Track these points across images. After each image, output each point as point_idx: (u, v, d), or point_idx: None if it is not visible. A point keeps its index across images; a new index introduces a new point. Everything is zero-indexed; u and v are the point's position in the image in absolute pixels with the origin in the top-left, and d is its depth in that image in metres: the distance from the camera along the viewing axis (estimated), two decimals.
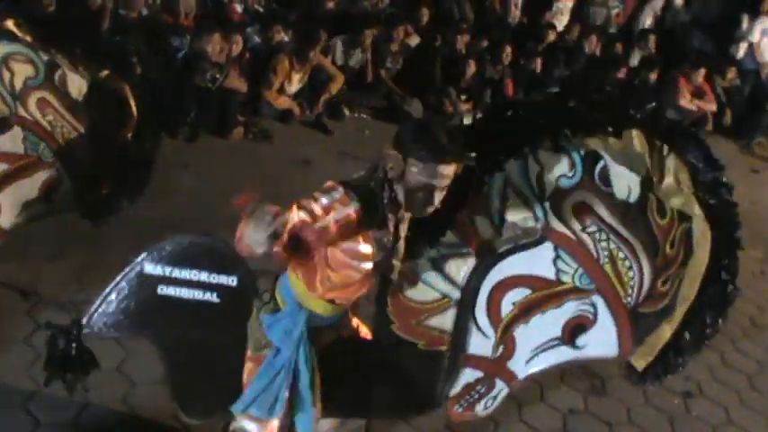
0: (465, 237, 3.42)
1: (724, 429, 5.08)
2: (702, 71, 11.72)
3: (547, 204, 3.34)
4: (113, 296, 3.44)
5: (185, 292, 3.48)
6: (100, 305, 3.44)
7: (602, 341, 3.47)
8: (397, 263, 3.15)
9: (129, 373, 4.32)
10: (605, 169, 3.21)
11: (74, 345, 3.40)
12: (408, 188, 2.87)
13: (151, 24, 8.44)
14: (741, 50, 13.19)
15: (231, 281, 3.50)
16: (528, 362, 3.58)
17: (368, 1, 11.17)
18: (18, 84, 4.22)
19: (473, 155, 3.15)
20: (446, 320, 3.52)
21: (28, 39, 4.13)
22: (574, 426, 4.78)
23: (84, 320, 3.42)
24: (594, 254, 3.34)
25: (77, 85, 4.27)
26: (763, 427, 5.18)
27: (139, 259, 3.45)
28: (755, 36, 12.83)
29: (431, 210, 2.92)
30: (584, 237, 3.34)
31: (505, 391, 3.66)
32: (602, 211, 3.27)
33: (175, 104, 7.67)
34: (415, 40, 10.76)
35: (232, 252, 3.52)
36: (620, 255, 3.30)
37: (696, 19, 14.08)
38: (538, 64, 10.96)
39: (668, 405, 5.18)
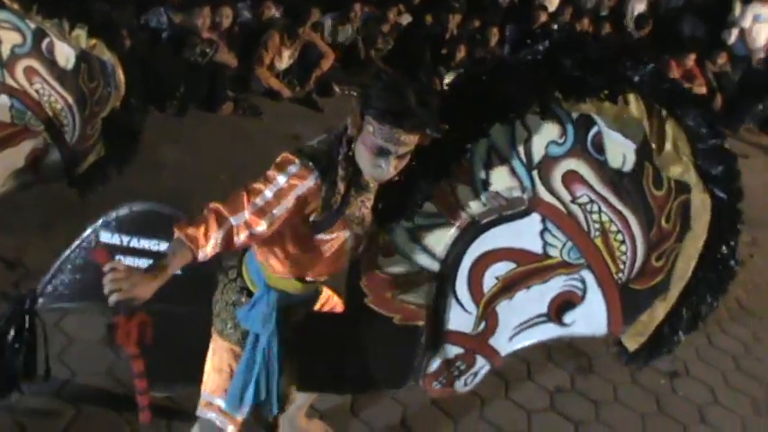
0: (445, 206, 3.20)
1: (710, 409, 5.08)
2: (693, 55, 11.71)
3: (535, 173, 3.09)
4: (68, 265, 3.35)
5: (144, 263, 3.28)
6: (54, 275, 3.35)
7: (590, 319, 3.25)
8: (360, 232, 2.98)
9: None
10: (599, 136, 2.94)
11: (26, 317, 3.29)
12: (362, 149, 2.66)
13: None
14: (732, 36, 13.19)
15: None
16: (511, 338, 3.42)
17: None
18: (5, 52, 4.17)
19: (445, 126, 2.76)
20: (424, 294, 3.34)
21: (15, 6, 4.07)
22: (561, 404, 4.77)
23: (39, 289, 3.33)
24: (585, 226, 3.10)
25: (66, 53, 4.22)
26: (748, 408, 5.19)
27: (95, 227, 3.35)
28: (747, 22, 12.85)
29: (385, 177, 2.70)
30: (574, 208, 3.09)
31: (487, 367, 3.53)
32: (595, 181, 3.01)
33: (164, 78, 7.62)
34: (406, 19, 10.72)
35: None
36: (613, 228, 3.05)
37: (688, 4, 14.07)
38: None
39: (655, 385, 5.18)
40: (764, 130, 12.54)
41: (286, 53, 9.02)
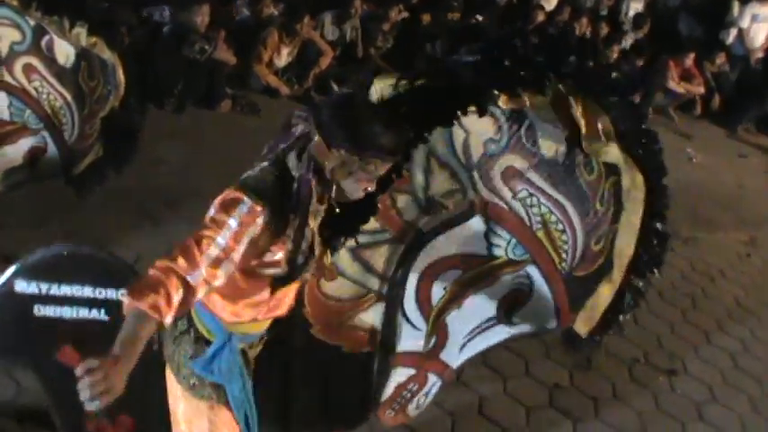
0: (386, 219, 3.14)
1: (708, 407, 5.09)
2: (691, 54, 11.72)
3: (475, 173, 3.09)
4: None
5: (67, 311, 3.12)
6: None
7: (539, 314, 3.27)
8: (311, 260, 2.66)
9: None
10: (531, 128, 2.95)
11: None
12: (350, 181, 2.46)
13: None
14: (731, 36, 13.18)
15: (121, 295, 3.12)
16: (462, 348, 3.40)
17: None
18: (3, 49, 4.17)
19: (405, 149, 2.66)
20: (372, 317, 3.28)
21: (14, 3, 4.07)
22: (559, 400, 4.78)
23: None
24: (527, 221, 3.12)
25: (65, 51, 4.22)
26: (746, 406, 5.20)
27: (7, 276, 3.08)
28: (745, 22, 12.83)
29: (357, 197, 2.53)
30: (516, 204, 3.10)
31: (438, 384, 3.48)
32: (532, 174, 3.03)
33: (163, 75, 7.62)
34: (404, 16, 10.73)
35: (119, 262, 3.31)
36: (552, 218, 3.07)
37: (685, 3, 14.08)
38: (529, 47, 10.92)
39: (653, 382, 5.20)
40: (762, 130, 12.53)
41: (285, 51, 9.01)
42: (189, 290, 2.25)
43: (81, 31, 4.08)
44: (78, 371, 2.03)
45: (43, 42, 4.18)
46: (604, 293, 3.06)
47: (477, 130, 3.00)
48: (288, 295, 2.73)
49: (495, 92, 2.75)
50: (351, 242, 3.05)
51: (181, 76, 7.87)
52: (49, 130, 4.29)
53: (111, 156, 4.34)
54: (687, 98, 12.08)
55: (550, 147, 2.96)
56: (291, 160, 2.47)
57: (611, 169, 2.87)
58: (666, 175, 2.80)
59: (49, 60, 4.20)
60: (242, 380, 2.75)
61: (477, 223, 3.18)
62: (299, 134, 2.49)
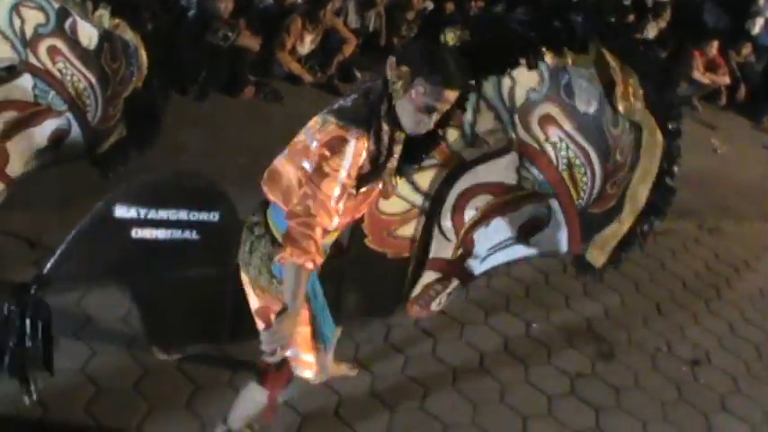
0: (436, 149, 3.56)
1: (731, 398, 5.05)
2: (715, 43, 11.63)
3: (516, 117, 3.50)
4: (80, 244, 3.30)
5: (162, 234, 3.41)
6: (65, 254, 3.29)
7: (553, 239, 3.68)
8: (390, 181, 3.14)
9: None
10: (570, 84, 3.33)
11: (32, 306, 3.19)
12: (410, 108, 2.82)
13: None
14: (757, 26, 13.08)
15: (213, 216, 3.47)
16: (483, 260, 3.84)
17: None
18: (28, 31, 4.16)
19: (473, 82, 3.28)
20: (413, 229, 3.76)
21: None
22: (581, 389, 4.75)
23: (47, 270, 3.27)
24: (555, 161, 3.52)
25: (88, 33, 4.21)
26: None
27: (106, 200, 3.33)
28: None
29: (424, 131, 2.91)
30: (547, 146, 3.50)
31: (457, 286, 3.91)
32: (565, 123, 3.41)
33: (186, 62, 7.62)
34: (429, 5, 10.68)
35: (211, 186, 3.61)
36: (577, 162, 3.46)
37: None
38: None
39: (676, 372, 5.16)
40: None
41: (308, 38, 9.00)
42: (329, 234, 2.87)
43: (104, 13, 4.07)
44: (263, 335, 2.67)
45: (67, 24, 4.16)
46: (614, 231, 3.45)
47: (522, 80, 3.41)
48: (364, 203, 3.11)
49: (544, 49, 3.23)
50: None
51: (204, 63, 7.87)
52: (73, 112, 4.29)
53: (135, 136, 4.35)
54: (712, 89, 11.99)
55: (584, 100, 3.33)
56: (374, 91, 2.85)
57: (635, 126, 3.21)
58: (681, 137, 3.15)
59: (73, 42, 4.19)
60: (313, 278, 3.04)
61: (512, 158, 3.60)
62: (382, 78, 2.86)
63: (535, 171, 3.59)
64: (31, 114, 4.25)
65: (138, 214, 3.34)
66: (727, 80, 11.97)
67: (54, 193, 5.01)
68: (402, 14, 10.18)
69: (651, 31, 12.11)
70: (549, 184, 3.58)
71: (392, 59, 2.82)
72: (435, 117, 2.86)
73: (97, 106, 4.28)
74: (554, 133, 3.47)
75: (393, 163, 3.01)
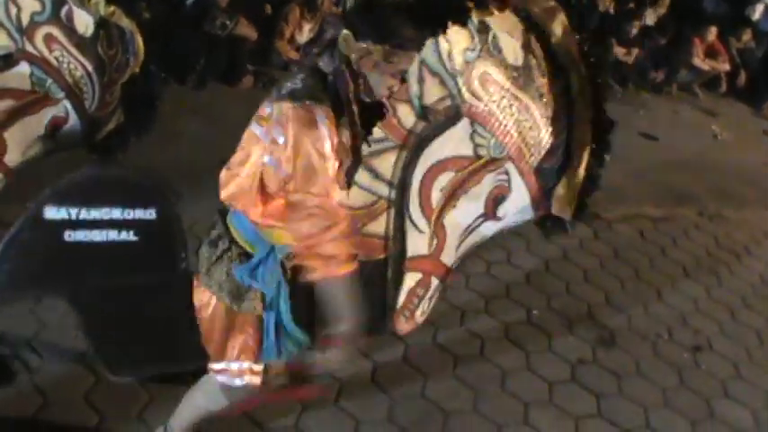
0: (389, 128, 3.34)
1: (732, 384, 5.05)
2: (714, 29, 11.59)
3: (459, 80, 3.37)
4: (11, 252, 3.07)
5: (97, 235, 3.13)
6: None
7: (518, 204, 3.63)
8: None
9: None
10: (496, 38, 3.33)
11: None
12: (361, 72, 2.58)
13: None
14: (757, 12, 13.05)
15: (149, 214, 3.20)
16: (457, 248, 3.67)
17: None
18: (24, 19, 4.13)
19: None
20: (383, 225, 3.49)
21: None
22: (582, 376, 4.74)
23: None
24: (502, 120, 3.44)
25: (84, 21, 4.19)
26: None
27: (36, 203, 3.08)
28: None
29: (382, 94, 2.66)
30: (493, 106, 3.42)
31: (437, 286, 3.68)
32: (501, 78, 3.38)
33: (184, 51, 7.60)
34: None
35: (144, 181, 3.36)
36: (522, 117, 3.44)
37: None
38: None
39: (677, 358, 5.16)
40: None
41: (306, 27, 8.96)
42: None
43: (99, 1, 4.07)
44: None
45: (63, 12, 4.14)
46: (570, 178, 3.54)
47: (457, 41, 3.32)
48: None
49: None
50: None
51: (202, 52, 7.85)
52: (71, 100, 4.26)
53: (132, 122, 4.33)
54: (712, 75, 11.97)
55: (510, 53, 3.37)
56: (324, 60, 2.62)
57: (560, 72, 3.34)
58: (606, 72, 3.14)
59: (69, 30, 4.17)
60: (280, 287, 2.86)
61: (464, 126, 3.45)
62: (327, 40, 2.64)
63: (487, 135, 3.48)
64: (28, 103, 4.23)
65: (70, 215, 3.08)
66: (727, 67, 11.95)
67: (53, 183, 4.98)
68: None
69: (650, 18, 12.05)
70: (501, 146, 3.50)
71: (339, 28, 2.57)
72: (390, 81, 2.63)
73: (94, 93, 4.26)
74: (496, 91, 3.41)
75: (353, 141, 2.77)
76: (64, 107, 4.29)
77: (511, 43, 3.35)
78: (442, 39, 3.27)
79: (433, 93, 3.39)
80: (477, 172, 3.55)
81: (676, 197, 7.76)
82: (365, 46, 2.52)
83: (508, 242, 5.78)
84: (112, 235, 3.15)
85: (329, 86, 2.60)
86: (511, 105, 3.42)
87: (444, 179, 3.52)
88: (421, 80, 3.35)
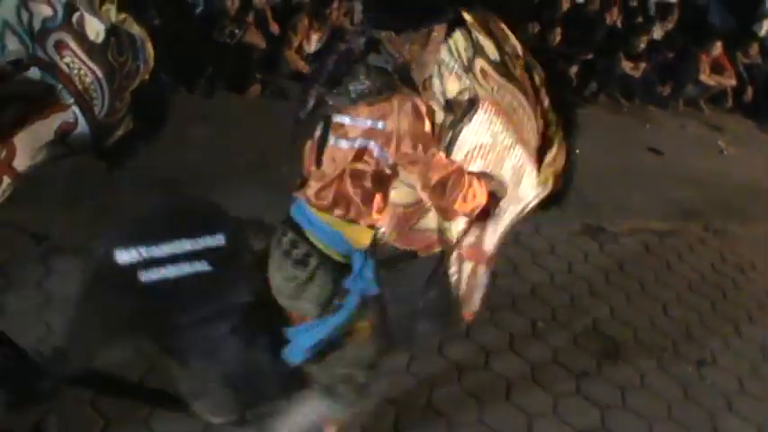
0: None
1: (737, 398, 5.04)
2: (719, 43, 11.60)
3: (469, 74, 3.42)
4: (88, 307, 2.99)
5: (172, 271, 3.00)
6: (75, 322, 3.01)
7: (530, 187, 3.51)
8: None
9: None
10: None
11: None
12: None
13: None
14: (764, 28, 13.05)
15: (218, 240, 3.09)
16: (493, 234, 3.55)
17: None
18: (36, 24, 4.15)
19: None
20: (434, 218, 3.48)
21: None
22: (587, 389, 4.74)
23: (60, 344, 3.07)
24: (505, 109, 3.42)
25: (95, 27, 4.21)
26: None
27: (104, 250, 2.98)
28: None
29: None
30: (497, 96, 3.43)
31: (485, 273, 3.63)
32: (493, 73, 3.42)
33: (194, 59, 7.63)
34: None
35: (207, 207, 3.34)
36: (515, 104, 3.42)
37: None
38: (558, 35, 10.79)
39: (682, 372, 5.15)
40: None
41: (315, 37, 9.00)
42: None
43: (111, 8, 4.10)
44: None
45: (74, 19, 4.15)
46: (554, 155, 3.48)
47: (457, 39, 3.35)
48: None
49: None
50: None
51: (211, 60, 7.88)
52: (80, 106, 4.27)
53: (142, 129, 4.35)
54: (718, 90, 11.98)
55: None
56: (372, 58, 2.83)
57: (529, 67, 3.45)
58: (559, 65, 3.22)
59: (80, 36, 4.18)
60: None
61: (479, 116, 3.40)
62: (358, 51, 2.86)
63: (497, 123, 3.44)
64: (38, 108, 4.25)
65: (141, 254, 2.97)
66: (733, 82, 11.95)
67: (61, 189, 5.01)
68: None
69: (657, 32, 12.07)
70: (512, 134, 3.46)
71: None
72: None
73: (104, 100, 4.27)
74: (493, 83, 3.40)
75: None
76: (73, 113, 4.30)
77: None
78: (450, 39, 3.32)
79: (452, 87, 3.42)
80: (500, 159, 3.46)
81: (682, 212, 7.77)
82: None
83: (514, 254, 5.79)
84: (185, 268, 3.04)
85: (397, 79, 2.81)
86: (503, 96, 3.40)
87: (474, 168, 3.41)
88: (440, 76, 3.39)
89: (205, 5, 8.11)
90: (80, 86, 4.26)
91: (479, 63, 3.40)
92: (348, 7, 9.57)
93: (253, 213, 5.28)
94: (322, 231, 2.97)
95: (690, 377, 5.13)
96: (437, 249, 3.56)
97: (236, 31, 7.98)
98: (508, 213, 3.57)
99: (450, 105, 3.44)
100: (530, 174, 3.49)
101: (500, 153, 3.46)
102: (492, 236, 3.58)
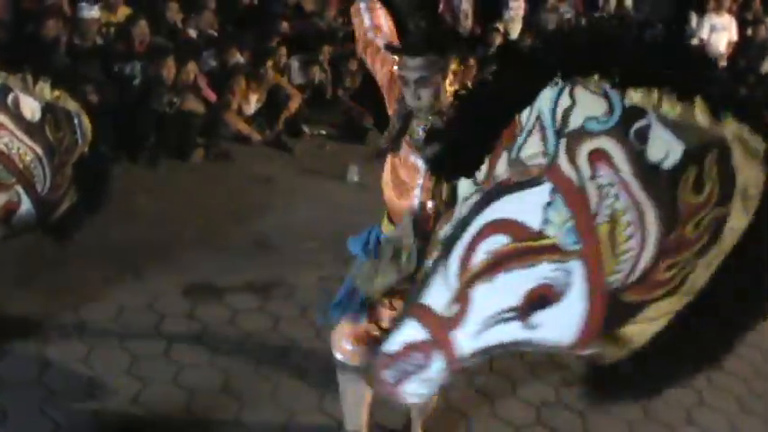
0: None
1: (696, 410, 5.14)
2: None
3: (563, 141, 2.73)
4: None
5: None
6: None
7: (561, 323, 2.81)
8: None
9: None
10: (645, 129, 2.57)
11: None
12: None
13: (105, 52, 8.41)
14: None
15: None
16: (477, 335, 2.94)
17: (323, 20, 11.18)
18: None
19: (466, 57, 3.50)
20: (445, 232, 3.12)
21: None
22: (547, 417, 4.80)
23: None
24: (593, 208, 2.68)
25: (31, 106, 4.27)
26: (734, 407, 5.24)
27: None
28: (704, 32, 13.01)
29: (420, 106, 3.38)
30: (590, 186, 2.68)
31: (441, 374, 3.06)
32: (623, 165, 2.61)
33: (134, 129, 7.68)
34: None
35: None
36: (624, 218, 2.63)
37: (647, 19, 14.25)
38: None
39: None
40: None
41: (253, 97, 9.10)
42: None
43: (44, 86, 4.17)
44: None
45: (9, 100, 4.22)
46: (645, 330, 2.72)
47: (584, 103, 2.70)
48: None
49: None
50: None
51: (152, 130, 7.94)
52: (22, 184, 4.32)
53: (86, 201, 4.39)
54: None
55: (660, 150, 2.58)
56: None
57: (722, 200, 2.53)
58: None
59: (17, 117, 4.24)
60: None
61: (542, 192, 2.78)
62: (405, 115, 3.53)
63: (565, 212, 2.74)
64: None
65: None
66: None
67: (13, 269, 5.02)
68: (346, 66, 10.28)
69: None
70: (576, 237, 2.73)
71: None
72: (425, 92, 3.31)
73: (45, 177, 4.32)
74: (605, 173, 2.66)
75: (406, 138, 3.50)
76: (16, 192, 4.34)
77: (668, 143, 2.56)
78: (566, 93, 2.72)
79: (531, 146, 2.81)
80: (533, 251, 2.83)
81: None
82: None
83: None
84: None
85: None
86: (617, 197, 2.64)
87: (495, 242, 2.90)
88: (529, 133, 2.81)
89: (142, 76, 8.17)
90: (20, 165, 4.30)
91: (601, 144, 2.66)
92: (284, 65, 9.72)
93: (205, 279, 5.34)
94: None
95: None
96: None
97: (175, 99, 8.05)
98: (500, 328, 2.97)
99: (515, 163, 2.88)
100: (569, 307, 2.81)
101: (541, 248, 2.85)
102: (467, 331, 3.03)
